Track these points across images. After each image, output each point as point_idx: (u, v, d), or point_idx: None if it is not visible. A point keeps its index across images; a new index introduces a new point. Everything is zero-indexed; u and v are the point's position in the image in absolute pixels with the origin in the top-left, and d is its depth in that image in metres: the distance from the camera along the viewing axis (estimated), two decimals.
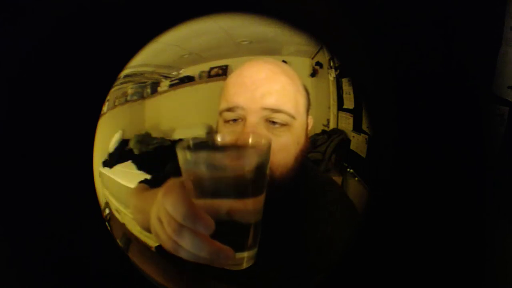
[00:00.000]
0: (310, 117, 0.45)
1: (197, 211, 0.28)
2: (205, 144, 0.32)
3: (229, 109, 0.41)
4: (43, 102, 0.44)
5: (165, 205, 0.30)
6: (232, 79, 0.43)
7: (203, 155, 0.28)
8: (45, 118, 0.44)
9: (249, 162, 0.28)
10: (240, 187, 0.28)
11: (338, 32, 0.47)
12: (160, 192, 0.31)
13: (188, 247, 0.29)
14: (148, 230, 0.39)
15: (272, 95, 0.40)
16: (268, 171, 0.31)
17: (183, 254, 0.30)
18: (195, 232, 0.29)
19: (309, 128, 0.45)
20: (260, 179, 0.29)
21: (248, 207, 0.30)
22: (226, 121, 0.42)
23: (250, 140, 0.35)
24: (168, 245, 0.31)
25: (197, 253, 0.30)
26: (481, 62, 0.50)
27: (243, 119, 0.40)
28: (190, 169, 0.28)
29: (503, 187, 0.48)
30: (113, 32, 0.44)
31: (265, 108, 0.40)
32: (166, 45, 0.46)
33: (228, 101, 0.41)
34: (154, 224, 0.32)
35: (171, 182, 0.31)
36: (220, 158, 0.28)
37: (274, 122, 0.40)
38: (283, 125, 0.41)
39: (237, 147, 0.35)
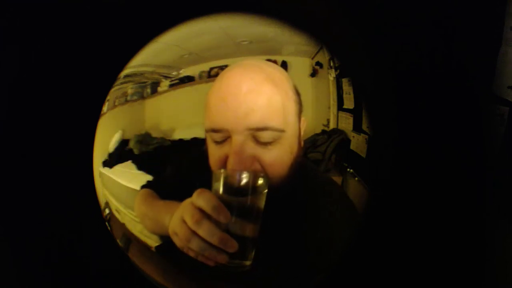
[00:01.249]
0: (303, 119, 0.44)
1: (221, 204, 0.36)
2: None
3: (214, 130, 0.40)
4: (43, 102, 0.44)
5: (198, 202, 0.36)
6: (213, 94, 0.41)
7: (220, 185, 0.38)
8: (45, 118, 0.44)
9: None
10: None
11: (338, 32, 0.47)
12: (193, 197, 0.37)
13: (204, 234, 0.35)
14: (157, 233, 0.45)
15: (256, 112, 0.38)
16: (264, 202, 0.38)
17: (194, 244, 0.36)
18: (213, 221, 0.35)
19: (303, 130, 0.44)
20: (258, 207, 0.38)
21: (248, 225, 0.37)
22: (214, 142, 0.40)
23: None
24: (184, 236, 0.37)
25: (209, 239, 0.35)
26: (481, 62, 0.50)
27: (229, 137, 0.39)
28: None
29: (503, 187, 0.48)
30: (113, 32, 0.44)
31: (250, 129, 0.38)
32: (166, 45, 0.46)
33: (212, 122, 0.40)
34: (175, 223, 0.38)
35: (202, 189, 0.37)
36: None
37: (263, 142, 0.39)
38: (273, 141, 0.39)
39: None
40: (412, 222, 0.47)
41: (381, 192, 0.46)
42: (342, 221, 0.45)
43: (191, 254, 0.37)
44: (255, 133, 0.39)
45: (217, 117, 0.39)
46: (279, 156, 0.40)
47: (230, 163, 0.39)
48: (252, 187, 0.37)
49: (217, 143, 0.40)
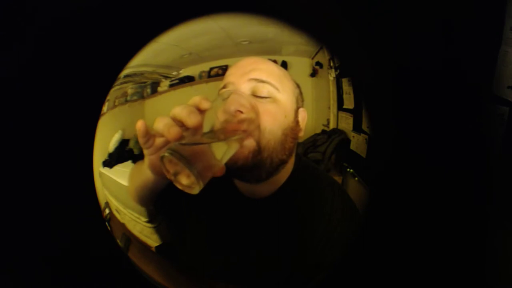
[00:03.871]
0: (303, 109, 0.46)
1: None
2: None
3: (224, 87, 0.44)
4: (43, 102, 0.44)
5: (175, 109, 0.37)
6: (231, 66, 0.47)
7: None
8: (45, 118, 0.45)
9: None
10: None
11: (338, 32, 0.47)
12: None
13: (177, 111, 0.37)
14: (140, 194, 0.44)
15: (257, 70, 0.45)
16: (233, 150, 0.39)
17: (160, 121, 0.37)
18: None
19: (304, 121, 0.46)
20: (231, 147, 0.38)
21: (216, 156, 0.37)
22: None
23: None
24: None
25: (179, 112, 0.36)
26: (481, 62, 0.50)
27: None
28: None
29: (503, 187, 0.48)
30: (113, 32, 0.44)
31: (251, 79, 0.44)
32: (166, 45, 0.46)
33: (224, 81, 0.45)
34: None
35: None
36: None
37: (260, 96, 0.43)
38: (269, 97, 0.44)
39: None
40: (412, 222, 0.47)
41: (381, 192, 0.46)
42: (342, 221, 0.45)
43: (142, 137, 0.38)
44: (255, 86, 0.43)
45: (228, 77, 0.45)
46: (272, 110, 0.44)
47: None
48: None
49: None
